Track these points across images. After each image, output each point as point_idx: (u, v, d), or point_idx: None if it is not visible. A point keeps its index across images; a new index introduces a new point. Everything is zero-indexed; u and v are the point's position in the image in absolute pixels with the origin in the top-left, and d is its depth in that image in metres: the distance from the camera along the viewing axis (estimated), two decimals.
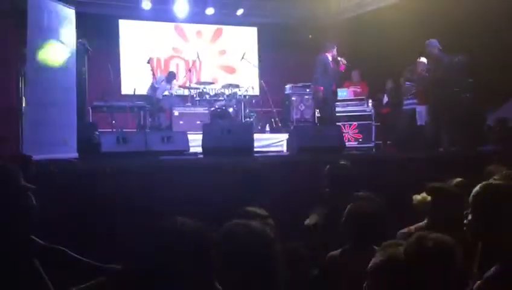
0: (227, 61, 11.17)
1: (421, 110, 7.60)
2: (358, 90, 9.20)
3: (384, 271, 1.69)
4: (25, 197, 2.32)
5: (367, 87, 9.35)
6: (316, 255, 2.67)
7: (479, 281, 1.78)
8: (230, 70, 11.14)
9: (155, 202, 3.95)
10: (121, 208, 3.95)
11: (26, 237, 2.32)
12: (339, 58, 7.32)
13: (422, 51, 7.18)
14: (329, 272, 2.62)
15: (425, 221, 2.83)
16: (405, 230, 2.78)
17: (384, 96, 9.01)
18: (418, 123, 7.64)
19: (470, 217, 1.93)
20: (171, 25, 10.80)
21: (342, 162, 3.65)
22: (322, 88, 7.14)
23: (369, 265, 1.73)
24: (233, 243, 1.54)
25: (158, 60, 10.60)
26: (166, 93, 9.03)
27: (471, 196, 1.98)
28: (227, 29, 11.32)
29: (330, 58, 7.26)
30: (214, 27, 11.15)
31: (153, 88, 8.87)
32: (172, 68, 10.69)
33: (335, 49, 7.33)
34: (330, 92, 7.31)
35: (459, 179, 3.21)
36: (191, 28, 11.00)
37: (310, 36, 10.77)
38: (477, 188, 1.97)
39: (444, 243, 1.71)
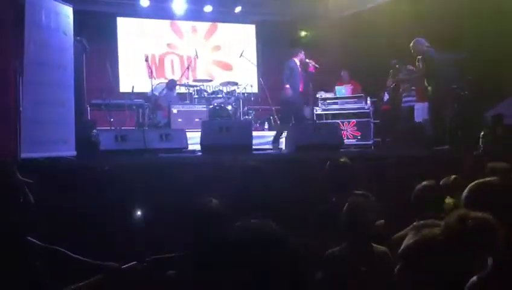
0: (223, 57, 11.16)
1: (419, 108, 7.61)
2: (351, 88, 9.22)
3: (419, 253, 1.60)
4: (23, 194, 2.32)
5: (359, 85, 9.36)
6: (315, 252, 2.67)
7: (473, 278, 1.76)
8: (227, 66, 11.13)
9: (153, 200, 3.95)
10: (120, 206, 3.95)
11: (24, 236, 2.32)
12: (307, 61, 7.81)
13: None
14: (328, 270, 2.63)
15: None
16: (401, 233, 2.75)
17: (384, 93, 9.01)
18: (416, 120, 7.65)
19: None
20: (167, 21, 10.77)
21: (342, 160, 3.63)
22: (288, 86, 7.72)
23: (402, 247, 1.64)
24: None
25: (153, 56, 10.57)
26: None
27: (463, 195, 1.95)
28: (224, 26, 11.30)
29: (298, 63, 7.73)
30: (209, 23, 11.13)
31: (155, 99, 8.75)
32: (167, 64, 10.66)
33: (302, 54, 7.82)
34: (297, 93, 7.69)
35: (453, 177, 3.22)
36: (186, 24, 10.97)
37: (304, 33, 10.80)
38: (469, 187, 1.95)
39: (486, 222, 1.60)
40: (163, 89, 9.08)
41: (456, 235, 1.56)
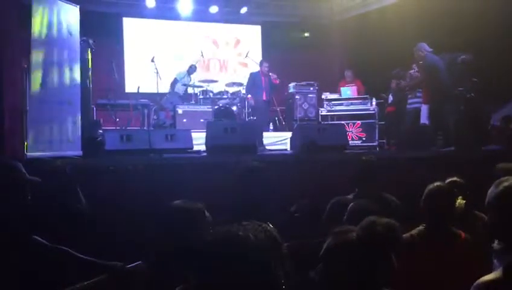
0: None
1: (425, 109, 7.59)
2: (353, 87, 9.21)
3: (337, 255, 1.78)
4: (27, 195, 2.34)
5: (362, 85, 9.35)
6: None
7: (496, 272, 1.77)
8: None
9: (157, 200, 3.95)
10: (124, 206, 3.96)
11: (29, 235, 2.33)
12: (270, 74, 8.38)
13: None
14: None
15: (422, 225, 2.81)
16: (407, 235, 2.74)
17: (389, 95, 9.00)
18: (422, 122, 7.63)
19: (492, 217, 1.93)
20: (204, 32, 10.92)
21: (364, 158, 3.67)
22: (250, 96, 8.56)
23: (322, 250, 1.79)
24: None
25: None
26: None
27: (499, 196, 1.93)
28: (232, 28, 11.34)
29: (261, 74, 8.32)
30: (234, 37, 11.33)
31: (174, 81, 9.20)
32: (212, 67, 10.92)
33: (265, 66, 8.44)
34: (260, 101, 8.25)
35: (452, 179, 3.22)
36: (222, 38, 11.29)
37: (306, 35, 10.81)
38: (501, 188, 1.93)
39: (392, 227, 1.87)
40: (184, 76, 9.32)
41: (367, 237, 1.80)
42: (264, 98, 8.23)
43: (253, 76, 8.31)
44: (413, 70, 7.72)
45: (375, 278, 1.76)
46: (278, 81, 8.42)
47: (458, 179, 3.24)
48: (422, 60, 7.00)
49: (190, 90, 9.37)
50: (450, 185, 3.03)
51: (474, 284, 1.79)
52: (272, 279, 1.26)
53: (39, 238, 2.39)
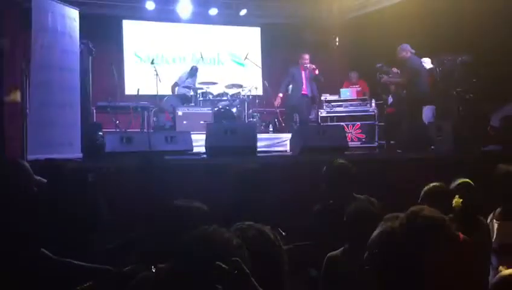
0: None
1: (425, 109, 7.60)
2: (358, 89, 9.21)
3: (381, 245, 1.70)
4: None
5: (367, 86, 9.35)
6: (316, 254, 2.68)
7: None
8: None
9: (157, 202, 3.96)
10: (124, 208, 3.97)
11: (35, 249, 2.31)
12: (307, 66, 8.12)
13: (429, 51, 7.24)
14: (329, 273, 2.63)
15: None
16: None
17: (389, 96, 9.00)
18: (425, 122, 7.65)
19: None
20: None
21: (341, 161, 3.59)
22: (281, 94, 8.38)
23: (369, 240, 1.73)
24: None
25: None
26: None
27: None
28: (230, 30, 11.35)
29: (300, 68, 8.07)
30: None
31: (175, 84, 9.21)
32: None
33: (304, 58, 8.15)
34: (300, 96, 8.01)
35: (463, 180, 3.21)
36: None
37: (314, 36, 10.82)
38: None
39: (435, 217, 1.79)
40: (187, 78, 9.33)
41: (408, 229, 1.68)
42: (306, 92, 8.01)
43: (292, 71, 8.10)
44: (395, 69, 7.80)
45: (420, 269, 1.67)
46: (317, 72, 8.20)
47: (469, 181, 3.21)
48: (406, 61, 7.07)
49: (190, 92, 9.38)
50: (460, 187, 3.02)
51: (497, 277, 1.76)
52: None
53: (47, 252, 2.37)
